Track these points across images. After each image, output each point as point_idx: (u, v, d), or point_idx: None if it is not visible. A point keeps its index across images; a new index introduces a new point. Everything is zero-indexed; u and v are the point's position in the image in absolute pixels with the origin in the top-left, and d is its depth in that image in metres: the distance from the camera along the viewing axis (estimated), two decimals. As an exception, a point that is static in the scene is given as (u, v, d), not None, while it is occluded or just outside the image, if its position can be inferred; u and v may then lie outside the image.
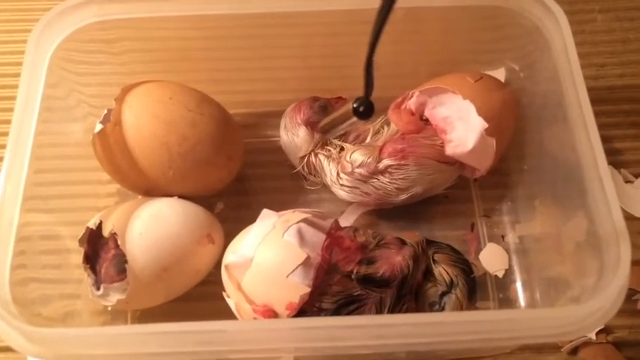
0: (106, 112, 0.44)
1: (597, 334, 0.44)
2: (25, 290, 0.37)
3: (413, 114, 0.47)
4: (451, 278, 0.42)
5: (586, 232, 0.37)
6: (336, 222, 0.42)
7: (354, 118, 0.40)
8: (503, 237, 0.48)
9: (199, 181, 0.45)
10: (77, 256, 0.42)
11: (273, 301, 0.39)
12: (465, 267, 0.43)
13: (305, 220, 0.41)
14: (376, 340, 0.33)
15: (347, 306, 0.40)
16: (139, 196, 0.47)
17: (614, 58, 0.55)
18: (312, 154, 0.47)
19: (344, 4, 0.43)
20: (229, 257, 0.41)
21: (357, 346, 0.34)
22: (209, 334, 0.33)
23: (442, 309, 0.42)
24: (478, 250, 0.47)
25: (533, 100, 0.46)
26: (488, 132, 0.43)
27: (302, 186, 0.49)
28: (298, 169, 0.48)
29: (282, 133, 0.48)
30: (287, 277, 0.38)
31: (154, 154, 0.43)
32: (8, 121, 0.39)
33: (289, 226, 0.40)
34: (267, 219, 0.42)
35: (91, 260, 0.42)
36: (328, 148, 0.47)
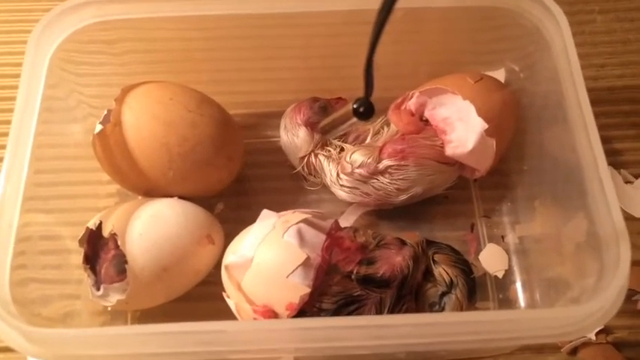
0: (106, 112, 0.44)
1: (597, 334, 0.44)
2: (25, 290, 0.37)
3: (413, 114, 0.47)
4: (451, 279, 0.42)
5: (586, 232, 0.37)
6: (336, 222, 0.42)
7: (354, 119, 0.40)
8: (503, 237, 0.48)
9: (199, 182, 0.46)
10: (77, 257, 0.42)
11: (273, 302, 0.39)
12: (465, 267, 0.43)
13: (305, 221, 0.41)
14: (376, 341, 0.33)
15: (347, 306, 0.40)
16: (139, 197, 0.47)
17: (614, 58, 0.55)
18: (312, 154, 0.47)
19: (344, 4, 0.43)
20: (229, 258, 0.41)
21: (357, 347, 0.34)
22: (209, 335, 0.33)
23: (442, 309, 0.42)
24: (478, 251, 0.47)
25: (533, 101, 0.46)
26: (488, 133, 0.43)
27: (302, 186, 0.49)
28: (298, 169, 0.48)
29: (282, 133, 0.48)
30: (287, 277, 0.38)
31: (154, 155, 0.43)
32: (8, 122, 0.39)
33: (289, 227, 0.40)
34: (267, 219, 0.42)
35: (91, 261, 0.42)
36: (328, 148, 0.47)
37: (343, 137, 0.47)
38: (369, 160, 0.45)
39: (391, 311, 0.40)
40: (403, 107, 0.47)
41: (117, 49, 0.46)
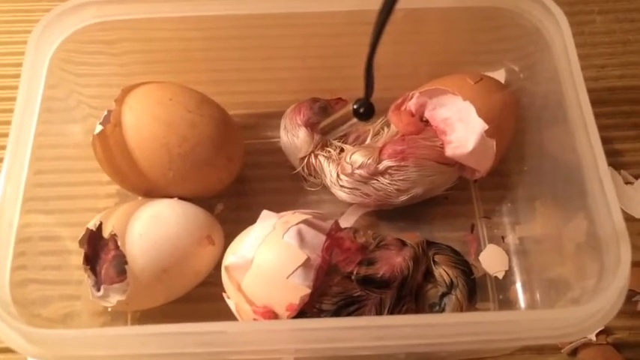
0: (106, 113, 0.44)
1: (597, 335, 0.44)
2: (25, 291, 0.37)
3: (413, 115, 0.47)
4: (451, 279, 0.42)
5: (586, 233, 0.37)
6: (337, 223, 0.42)
7: (354, 120, 0.40)
8: (503, 238, 0.48)
9: (199, 183, 0.45)
10: (77, 257, 0.42)
11: (274, 302, 0.39)
12: (465, 268, 0.43)
13: (305, 222, 0.41)
14: (376, 342, 0.33)
15: (347, 307, 0.40)
16: (139, 197, 0.47)
17: (614, 59, 0.55)
18: (312, 155, 0.47)
19: (344, 5, 0.43)
20: (229, 258, 0.41)
21: (357, 347, 0.34)
22: (209, 336, 0.33)
23: (442, 310, 0.42)
24: (478, 252, 0.47)
25: (533, 102, 0.46)
26: (488, 133, 0.44)
27: (302, 187, 0.49)
28: (298, 170, 0.48)
29: (282, 134, 0.48)
30: (287, 278, 0.38)
31: (153, 156, 0.43)
32: (8, 122, 0.39)
33: (289, 228, 0.40)
34: (267, 220, 0.42)
35: (91, 261, 0.42)
36: (328, 149, 0.47)
37: (343, 138, 0.47)
38: (369, 161, 0.45)
39: (391, 312, 0.40)
40: (403, 108, 0.47)
41: (117, 49, 0.46)
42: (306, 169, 0.48)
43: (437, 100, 0.46)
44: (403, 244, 0.42)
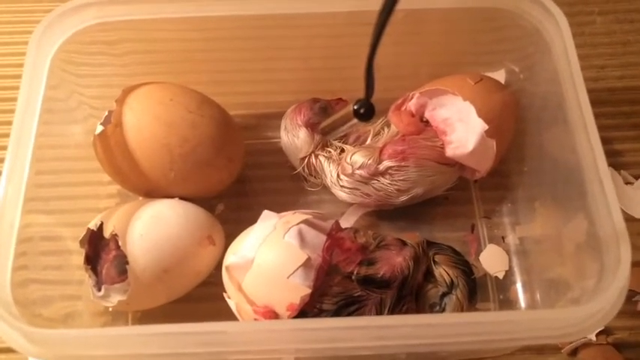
0: (106, 113, 0.44)
1: (597, 335, 0.44)
2: (26, 291, 0.37)
3: (413, 115, 0.47)
4: (451, 279, 0.42)
5: (586, 233, 0.37)
6: (337, 223, 0.42)
7: (355, 120, 0.40)
8: (503, 238, 0.48)
9: (200, 183, 0.46)
10: (78, 258, 0.42)
11: (274, 302, 0.39)
12: (466, 268, 0.43)
13: (305, 222, 0.41)
14: (377, 342, 0.33)
15: (347, 307, 0.40)
16: (140, 198, 0.47)
17: (614, 59, 0.55)
18: (313, 155, 0.47)
19: (345, 5, 0.43)
20: (230, 258, 0.41)
21: (358, 347, 0.34)
22: (210, 335, 0.33)
23: (442, 310, 0.42)
24: (478, 252, 0.47)
25: (533, 102, 0.46)
26: (488, 133, 0.44)
27: (302, 187, 0.49)
28: (299, 170, 0.48)
29: (283, 134, 0.49)
30: (288, 278, 0.38)
31: (154, 156, 0.43)
32: (9, 123, 0.39)
33: (290, 228, 0.40)
34: (267, 220, 0.42)
35: (92, 261, 0.42)
36: (328, 149, 0.47)
37: (344, 138, 0.47)
38: (369, 161, 0.45)
39: (391, 312, 0.40)
40: (403, 108, 0.47)
41: (118, 50, 0.46)
42: (306, 170, 0.48)
43: (437, 100, 0.46)
44: (403, 244, 0.42)
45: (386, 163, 0.44)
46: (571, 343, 0.43)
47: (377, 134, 0.47)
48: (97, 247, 0.43)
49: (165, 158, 0.43)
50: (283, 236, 0.40)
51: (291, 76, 0.50)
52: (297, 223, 0.40)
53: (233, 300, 0.40)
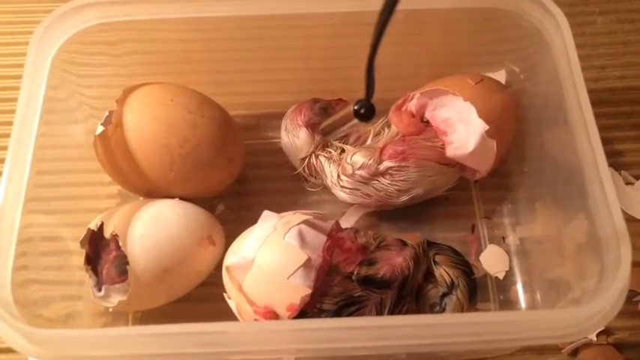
0: (107, 113, 0.44)
1: (598, 335, 0.44)
2: (26, 291, 0.37)
3: (414, 116, 0.47)
4: (452, 279, 0.42)
5: (587, 233, 0.37)
6: (337, 223, 0.42)
7: (355, 120, 0.40)
8: (503, 238, 0.48)
9: (200, 183, 0.46)
10: (78, 258, 0.42)
11: (274, 303, 0.39)
12: (466, 268, 0.43)
13: (306, 222, 0.41)
14: (377, 342, 0.33)
15: (347, 307, 0.40)
16: (140, 198, 0.47)
17: (615, 60, 0.55)
18: (313, 155, 0.47)
19: (345, 6, 0.43)
20: (230, 259, 0.41)
21: (358, 348, 0.34)
22: (210, 336, 0.33)
23: (443, 310, 0.42)
24: (479, 252, 0.47)
25: (534, 102, 0.46)
26: (488, 134, 0.44)
27: (303, 187, 0.49)
28: (299, 170, 0.48)
29: (283, 134, 0.49)
30: (288, 278, 0.38)
31: (155, 156, 0.43)
32: (10, 123, 0.39)
33: (290, 228, 0.40)
34: (267, 220, 0.42)
35: (93, 262, 0.42)
36: (329, 149, 0.47)
37: (344, 139, 0.47)
38: (369, 162, 0.45)
39: (392, 312, 0.40)
40: (404, 108, 0.47)
41: (118, 50, 0.46)
42: (306, 170, 0.48)
43: (437, 100, 0.46)
44: (404, 244, 0.42)
45: (386, 164, 0.44)
46: (571, 343, 0.43)
47: (377, 134, 0.47)
48: (98, 248, 0.43)
49: (165, 158, 0.43)
50: (283, 236, 0.40)
51: (291, 77, 0.50)
52: (298, 224, 0.40)
53: (233, 300, 0.40)
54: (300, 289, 0.38)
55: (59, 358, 0.34)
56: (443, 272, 0.42)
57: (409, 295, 0.41)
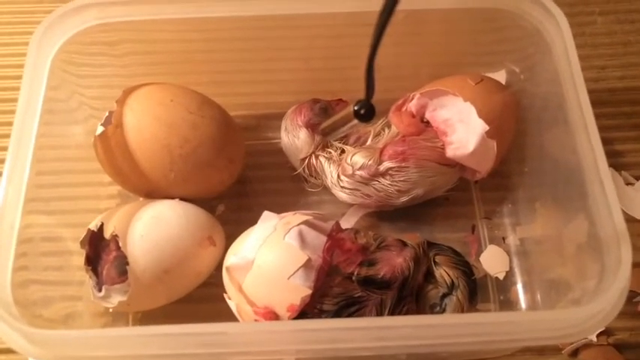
0: (107, 114, 0.44)
1: (598, 336, 0.44)
2: (26, 292, 0.37)
3: (414, 116, 0.47)
4: (452, 280, 0.42)
5: (587, 234, 0.37)
6: (337, 224, 0.42)
7: (355, 121, 0.40)
8: (504, 239, 0.48)
9: (200, 184, 0.46)
10: (79, 258, 0.42)
11: (275, 303, 0.39)
12: (466, 269, 0.43)
13: (306, 222, 0.41)
14: (377, 342, 0.33)
15: (348, 308, 0.40)
16: (140, 198, 0.47)
17: (615, 60, 0.55)
18: (313, 156, 0.47)
19: (346, 6, 0.43)
20: (230, 259, 0.41)
21: (358, 348, 0.34)
22: (210, 336, 0.33)
23: (443, 311, 0.42)
24: (479, 252, 0.47)
25: (534, 103, 0.46)
26: (488, 134, 0.44)
27: (303, 188, 0.49)
28: (299, 171, 0.48)
29: (283, 135, 0.49)
30: (288, 279, 0.38)
31: (155, 157, 0.43)
32: (10, 123, 0.39)
33: (290, 228, 0.40)
34: (268, 221, 0.42)
35: (93, 262, 0.42)
36: (329, 150, 0.47)
37: (344, 139, 0.47)
38: (369, 162, 0.45)
39: (392, 312, 0.40)
40: (404, 109, 0.47)
41: (118, 50, 0.46)
42: (306, 170, 0.48)
43: (438, 101, 0.46)
44: (404, 244, 0.42)
45: (386, 164, 0.44)
46: (572, 343, 0.43)
47: (377, 135, 0.47)
48: (98, 248, 0.43)
49: (165, 159, 0.43)
50: (284, 237, 0.40)
51: (291, 77, 0.50)
52: (298, 224, 0.40)
53: (233, 301, 0.40)
54: (300, 290, 0.38)
55: (59, 359, 0.34)
56: (443, 273, 0.42)
57: (409, 295, 0.41)
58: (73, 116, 0.46)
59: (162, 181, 0.44)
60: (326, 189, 0.48)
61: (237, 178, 0.48)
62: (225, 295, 0.41)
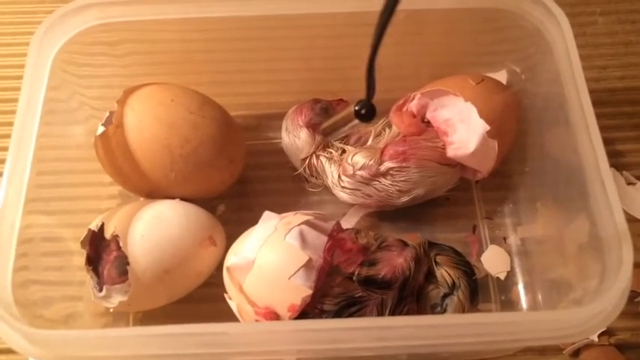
0: (108, 114, 0.44)
1: (599, 336, 0.43)
2: (27, 292, 0.37)
3: (414, 116, 0.47)
4: (453, 280, 0.42)
5: (588, 234, 0.37)
6: (338, 224, 0.42)
7: (356, 121, 0.40)
8: (505, 239, 0.48)
9: (201, 184, 0.46)
10: (79, 258, 0.42)
11: (275, 303, 0.39)
12: (467, 269, 0.43)
13: (307, 222, 0.41)
14: (378, 342, 0.33)
15: (348, 307, 0.40)
16: (141, 199, 0.47)
17: (616, 60, 0.55)
18: (314, 156, 0.47)
19: (346, 6, 0.43)
20: (231, 259, 0.41)
21: (359, 348, 0.34)
22: (211, 337, 0.33)
23: (444, 311, 0.42)
24: (480, 252, 0.47)
25: (535, 103, 0.46)
26: (489, 134, 0.44)
27: (303, 188, 0.49)
28: (300, 171, 0.48)
29: (284, 135, 0.49)
30: (289, 279, 0.38)
31: (155, 157, 0.43)
32: (10, 124, 0.39)
33: (291, 229, 0.40)
34: (268, 221, 0.42)
35: (93, 262, 0.42)
36: (330, 150, 0.47)
37: (345, 139, 0.47)
38: (370, 162, 0.45)
39: (392, 313, 0.40)
40: (405, 109, 0.47)
41: (119, 50, 0.46)
42: (307, 170, 0.48)
43: (438, 101, 0.46)
44: (405, 244, 0.42)
45: (387, 164, 0.44)
46: (573, 344, 0.43)
47: (378, 135, 0.47)
48: (98, 248, 0.43)
49: (166, 159, 0.43)
50: (284, 237, 0.40)
51: (292, 77, 0.50)
52: (299, 224, 0.40)
53: (234, 301, 0.40)
54: (301, 290, 0.38)
55: (60, 359, 0.34)
56: (444, 273, 0.42)
57: (410, 295, 0.41)
58: (74, 116, 0.46)
59: (163, 181, 0.44)
60: (327, 189, 0.48)
61: (238, 178, 0.48)
62: (225, 295, 0.41)
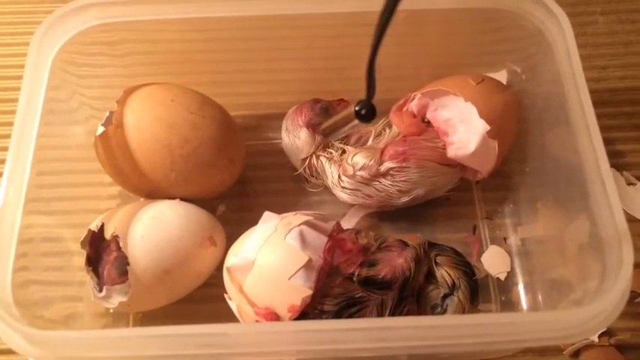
0: (108, 114, 0.44)
1: (600, 336, 0.43)
2: (26, 292, 0.37)
3: (415, 116, 0.47)
4: (453, 280, 0.42)
5: (588, 234, 0.37)
6: (338, 224, 0.42)
7: (356, 121, 0.40)
8: (505, 239, 0.47)
9: (201, 184, 0.46)
10: (79, 259, 0.42)
11: (275, 304, 0.39)
12: (467, 269, 0.43)
13: (307, 223, 0.41)
14: (378, 343, 0.33)
15: (348, 308, 0.40)
16: (141, 199, 0.47)
17: (616, 60, 0.55)
18: (314, 156, 0.47)
19: (346, 6, 0.43)
20: (231, 260, 0.41)
21: (359, 349, 0.34)
22: (211, 337, 0.33)
23: (444, 311, 0.42)
24: (480, 253, 0.47)
25: (535, 103, 0.46)
26: (490, 134, 0.43)
27: (303, 188, 0.49)
28: (300, 171, 0.48)
29: (284, 135, 0.49)
30: (289, 279, 0.38)
31: (155, 157, 0.43)
32: (10, 124, 0.39)
33: (291, 229, 0.40)
34: (268, 221, 0.42)
35: (93, 262, 0.42)
36: (330, 150, 0.47)
37: (345, 139, 0.47)
38: (370, 162, 0.45)
39: (393, 313, 0.40)
40: (405, 109, 0.47)
41: (119, 50, 0.46)
42: (307, 171, 0.48)
43: (439, 101, 0.46)
44: (405, 245, 0.42)
45: (387, 164, 0.44)
46: (573, 344, 0.43)
47: (378, 135, 0.47)
48: (98, 249, 0.43)
49: (166, 159, 0.43)
50: (284, 237, 0.40)
51: (292, 77, 0.50)
52: (299, 225, 0.40)
53: (234, 301, 0.40)
54: (301, 290, 0.38)
55: (59, 360, 0.34)
56: (444, 273, 0.42)
57: (410, 296, 0.41)
58: (74, 116, 0.46)
59: (163, 181, 0.44)
60: (327, 189, 0.48)
61: (238, 179, 0.48)
62: (225, 295, 0.41)
